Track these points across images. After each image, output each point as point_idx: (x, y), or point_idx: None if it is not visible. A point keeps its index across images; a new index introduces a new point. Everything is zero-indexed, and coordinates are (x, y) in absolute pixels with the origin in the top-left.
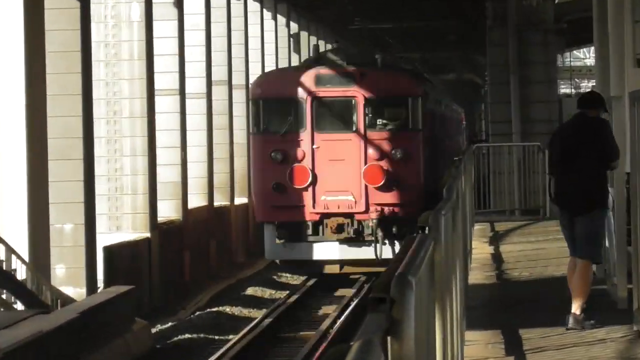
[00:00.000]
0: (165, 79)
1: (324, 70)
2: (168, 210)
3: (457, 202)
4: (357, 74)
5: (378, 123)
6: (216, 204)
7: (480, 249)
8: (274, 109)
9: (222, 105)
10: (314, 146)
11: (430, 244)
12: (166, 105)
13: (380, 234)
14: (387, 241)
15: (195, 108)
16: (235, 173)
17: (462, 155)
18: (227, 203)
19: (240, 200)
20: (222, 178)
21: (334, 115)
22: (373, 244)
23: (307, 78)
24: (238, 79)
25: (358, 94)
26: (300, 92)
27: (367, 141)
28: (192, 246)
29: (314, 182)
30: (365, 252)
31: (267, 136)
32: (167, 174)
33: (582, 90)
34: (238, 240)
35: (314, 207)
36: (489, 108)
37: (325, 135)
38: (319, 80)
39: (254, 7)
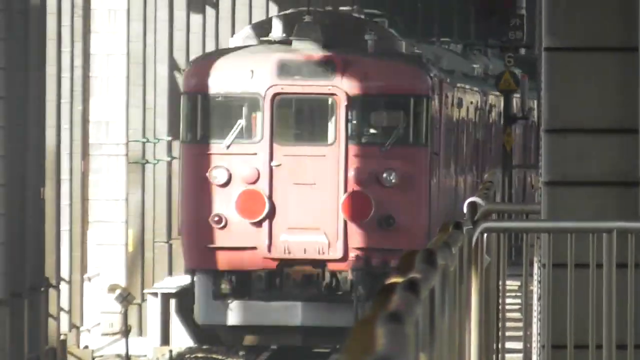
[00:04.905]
0: None
1: (289, 55)
2: None
3: None
4: (339, 61)
5: (365, 133)
6: None
7: None
8: (218, 109)
9: None
10: (273, 163)
11: None
12: None
13: (362, 292)
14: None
15: None
16: None
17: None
18: None
19: None
20: None
21: (302, 120)
22: (353, 306)
23: (266, 65)
24: None
25: (338, 91)
26: (256, 86)
27: (349, 158)
28: None
29: (271, 215)
30: (340, 318)
31: (205, 147)
32: None
33: None
34: None
35: (269, 250)
36: (547, 69)
37: (289, 149)
38: (282, 69)
39: None
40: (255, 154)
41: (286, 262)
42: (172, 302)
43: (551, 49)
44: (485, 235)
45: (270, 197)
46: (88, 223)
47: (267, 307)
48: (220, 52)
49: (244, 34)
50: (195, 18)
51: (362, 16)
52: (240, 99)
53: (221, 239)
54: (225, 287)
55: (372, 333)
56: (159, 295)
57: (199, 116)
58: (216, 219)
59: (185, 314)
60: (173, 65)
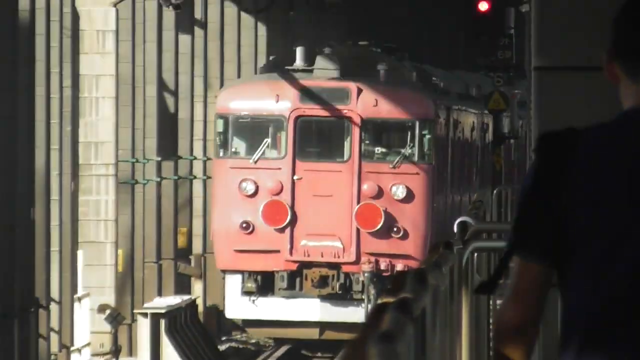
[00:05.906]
0: None
1: (310, 82)
2: None
3: None
4: (354, 88)
5: (376, 152)
6: None
7: None
8: (247, 128)
9: None
10: (295, 177)
11: None
12: None
13: (372, 291)
14: None
15: None
16: None
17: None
18: None
19: None
20: None
21: (321, 139)
22: (363, 304)
23: (289, 91)
24: None
25: (353, 114)
26: (280, 109)
27: (362, 174)
28: None
29: (292, 222)
30: (353, 314)
31: (235, 161)
32: None
33: None
34: None
35: (291, 253)
36: (536, 89)
37: (309, 165)
38: (304, 95)
39: None
40: (280, 168)
41: (305, 264)
42: (162, 322)
43: (541, 68)
44: (475, 254)
45: (292, 207)
46: (78, 243)
47: (288, 304)
48: (249, 79)
49: (270, 63)
50: (184, 39)
51: (379, 50)
52: (267, 120)
53: (248, 243)
54: (251, 285)
55: (364, 353)
56: (149, 316)
57: (230, 134)
58: (244, 225)
59: (175, 334)
60: (162, 86)
